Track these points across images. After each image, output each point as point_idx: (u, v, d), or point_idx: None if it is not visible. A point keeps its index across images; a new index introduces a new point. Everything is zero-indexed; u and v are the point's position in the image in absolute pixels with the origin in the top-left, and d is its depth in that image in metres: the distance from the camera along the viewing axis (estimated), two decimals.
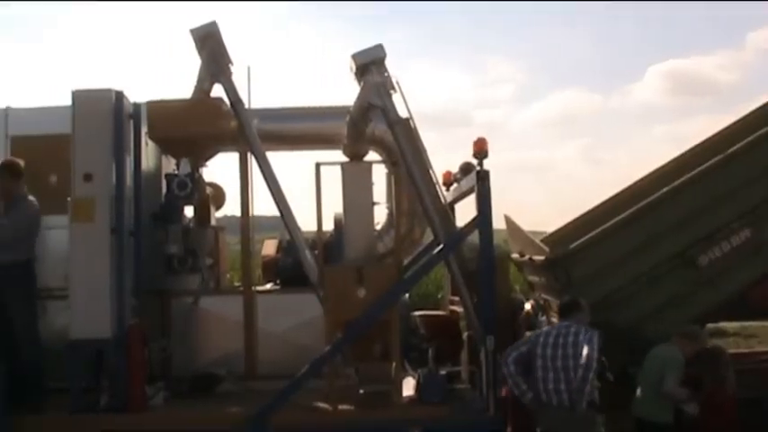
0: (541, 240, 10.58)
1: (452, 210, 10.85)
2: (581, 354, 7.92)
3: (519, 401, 8.46)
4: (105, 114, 9.43)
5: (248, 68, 10.59)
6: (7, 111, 10.77)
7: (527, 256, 10.28)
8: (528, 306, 9.93)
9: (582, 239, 9.57)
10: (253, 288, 10.87)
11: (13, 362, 9.29)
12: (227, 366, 10.34)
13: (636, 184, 11.31)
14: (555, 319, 9.30)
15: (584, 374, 7.90)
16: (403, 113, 9.41)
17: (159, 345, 10.28)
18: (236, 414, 9.12)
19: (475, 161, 9.32)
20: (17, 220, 9.54)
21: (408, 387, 9.59)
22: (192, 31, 9.54)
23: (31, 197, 9.75)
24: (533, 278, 10.83)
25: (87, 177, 9.28)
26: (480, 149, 9.18)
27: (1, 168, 9.69)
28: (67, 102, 9.46)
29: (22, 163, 9.74)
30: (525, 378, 8.29)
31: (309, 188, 9.52)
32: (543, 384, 8.12)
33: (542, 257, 9.76)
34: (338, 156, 10.32)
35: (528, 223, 10.92)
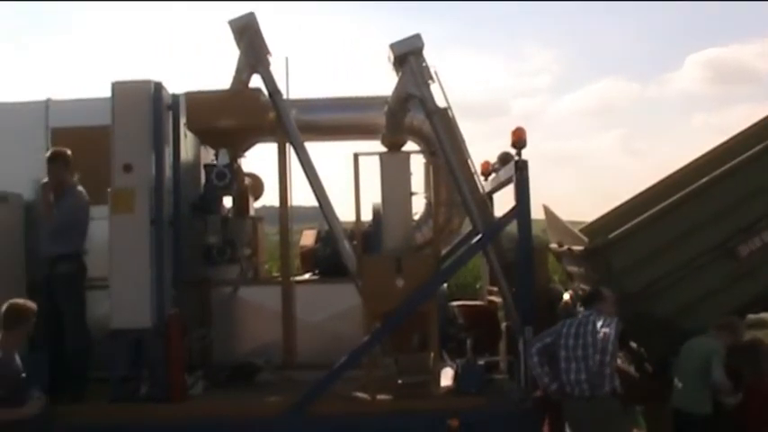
0: (580, 230, 10.55)
1: (491, 200, 10.89)
2: (606, 341, 7.98)
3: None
4: (144, 106, 9.54)
5: (286, 59, 10.65)
6: (48, 103, 10.96)
7: (566, 247, 10.27)
8: (566, 296, 9.90)
9: (621, 229, 9.53)
10: (291, 278, 10.95)
11: (59, 351, 9.45)
12: (265, 356, 10.45)
13: (675, 173, 11.23)
14: None
15: (601, 358, 7.98)
16: (441, 103, 9.48)
17: (198, 334, 10.42)
18: (275, 403, 9.25)
19: (513, 151, 9.35)
20: (67, 213, 9.69)
21: (446, 377, 9.64)
22: (231, 23, 9.61)
23: (80, 187, 9.90)
24: (572, 268, 10.82)
25: (127, 168, 9.40)
26: (519, 139, 9.21)
27: (52, 158, 9.84)
28: (107, 93, 9.58)
29: (70, 153, 9.89)
30: (549, 369, 8.37)
31: (348, 178, 9.59)
32: (566, 375, 8.18)
33: (581, 247, 9.75)
34: (376, 146, 10.38)
35: (566, 213, 10.89)
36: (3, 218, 10.07)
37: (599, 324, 8.14)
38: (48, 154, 9.88)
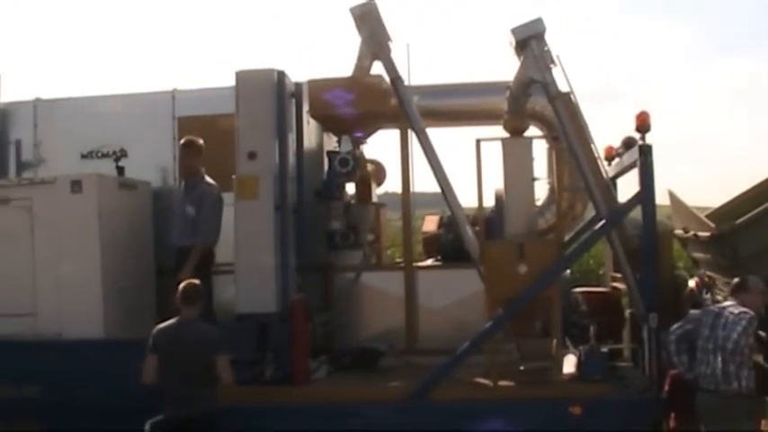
0: (706, 216, 10.43)
1: (614, 185, 10.85)
2: (731, 336, 7.89)
3: (683, 383, 8.45)
4: (268, 94, 9.78)
5: (407, 45, 10.82)
6: (174, 92, 11.34)
7: (691, 233, 10.17)
8: (692, 283, 9.80)
9: (749, 214, 9.39)
10: (413, 264, 11.13)
11: None
12: (388, 341, 10.65)
13: None
14: (720, 297, 9.19)
15: (725, 356, 7.85)
16: (564, 87, 9.49)
17: (322, 319, 10.65)
18: (397, 388, 9.45)
19: (637, 135, 9.32)
20: (205, 208, 10.07)
21: (569, 364, 9.67)
22: (352, 10, 9.79)
23: (209, 179, 10.26)
24: (698, 255, 10.69)
25: (251, 156, 9.65)
26: (643, 123, 9.15)
27: (184, 146, 10.26)
28: (231, 82, 9.85)
29: (202, 142, 10.25)
30: (688, 356, 8.30)
31: (470, 164, 9.60)
32: (698, 366, 8.10)
33: (707, 233, 9.64)
34: (498, 131, 10.38)
35: (691, 198, 10.76)
36: (132, 205, 10.51)
37: (734, 317, 8.00)
38: (182, 141, 10.27)
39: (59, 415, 9.39)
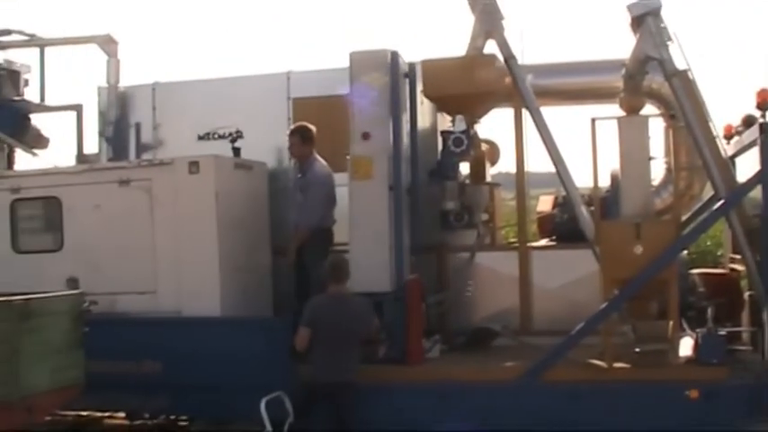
0: None
1: (733, 164, 10.71)
2: None
3: None
4: (382, 74, 9.88)
5: (521, 31, 10.84)
6: (288, 74, 11.57)
7: None
8: None
9: None
10: (528, 244, 11.17)
11: None
12: (502, 321, 10.72)
13: None
14: None
15: None
16: (681, 65, 9.42)
17: (436, 299, 10.78)
18: (510, 368, 9.53)
19: (757, 113, 9.20)
20: (310, 193, 10.35)
21: (686, 347, 9.59)
22: None
23: (320, 160, 10.49)
24: None
25: (365, 136, 9.79)
26: (763, 101, 9.06)
27: (292, 134, 10.49)
28: (345, 64, 9.99)
29: (313, 128, 10.48)
30: None
31: (585, 143, 9.59)
32: None
33: None
34: (614, 110, 10.32)
35: None
36: (249, 185, 10.75)
37: None
38: (290, 128, 10.50)
39: (178, 390, 9.76)
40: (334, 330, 9.01)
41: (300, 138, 10.41)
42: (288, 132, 10.58)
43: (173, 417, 11.07)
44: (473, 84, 10.19)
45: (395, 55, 9.96)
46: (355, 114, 9.85)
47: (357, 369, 9.18)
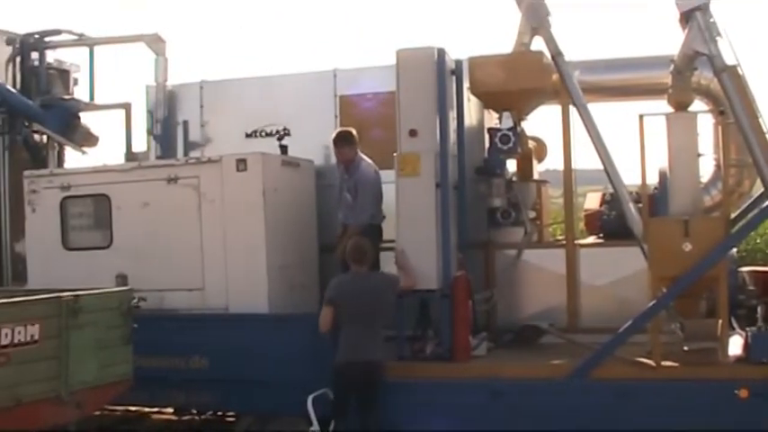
0: None
1: None
2: None
3: None
4: (428, 71, 9.87)
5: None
6: (335, 72, 11.64)
7: None
8: None
9: None
10: (575, 241, 11.14)
11: None
12: (549, 319, 10.71)
13: None
14: None
15: None
16: (730, 60, 9.35)
17: (483, 296, 10.78)
18: (557, 366, 9.52)
19: None
20: (360, 195, 10.37)
21: (735, 346, 9.48)
22: None
23: (366, 159, 10.53)
24: None
25: (412, 133, 9.78)
26: None
27: (335, 142, 10.52)
28: (391, 61, 10.01)
29: (353, 131, 10.50)
30: None
31: (633, 140, 9.54)
32: None
33: None
34: (662, 106, 10.27)
35: None
36: (295, 183, 10.84)
37: None
38: (333, 136, 10.56)
39: (225, 386, 9.87)
40: (357, 308, 9.14)
41: (347, 144, 10.45)
42: (333, 141, 10.60)
43: (219, 413, 11.19)
44: (520, 80, 10.20)
45: (441, 52, 9.94)
46: (402, 111, 9.87)
47: (383, 350, 9.32)
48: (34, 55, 13.52)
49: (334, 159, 11.09)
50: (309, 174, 11.19)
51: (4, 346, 7.35)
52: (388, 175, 10.25)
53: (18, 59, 13.48)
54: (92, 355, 8.16)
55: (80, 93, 14.07)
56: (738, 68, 9.40)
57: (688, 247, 9.11)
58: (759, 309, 9.43)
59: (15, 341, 7.45)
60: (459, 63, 10.39)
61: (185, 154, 12.18)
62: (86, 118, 13.59)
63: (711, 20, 9.18)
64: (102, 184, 10.83)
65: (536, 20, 9.91)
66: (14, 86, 13.26)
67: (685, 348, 9.25)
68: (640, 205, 9.74)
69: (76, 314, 7.97)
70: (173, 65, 12.69)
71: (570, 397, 9.16)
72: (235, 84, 12.23)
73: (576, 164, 11.18)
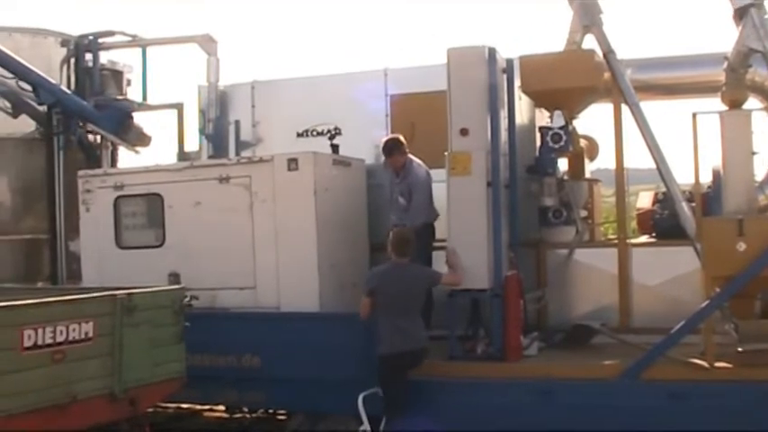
0: None
1: None
2: None
3: None
4: (480, 70, 9.83)
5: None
6: (386, 71, 11.69)
7: None
8: None
9: None
10: (627, 241, 11.08)
11: None
12: (601, 318, 10.64)
13: None
14: None
15: None
16: None
17: (534, 296, 10.78)
18: (609, 366, 9.44)
19: None
20: (414, 197, 10.46)
21: None
22: None
23: (417, 161, 10.57)
24: None
25: (464, 132, 9.76)
26: None
27: (392, 149, 10.55)
28: (442, 60, 9.99)
29: (401, 137, 10.57)
30: None
31: (686, 139, 9.48)
32: None
33: None
34: (716, 104, 10.19)
35: None
36: (346, 182, 10.88)
37: None
38: (381, 145, 10.61)
39: (276, 384, 9.93)
40: (396, 298, 9.18)
41: (397, 151, 10.49)
42: (382, 151, 10.66)
43: (271, 411, 11.26)
44: (571, 79, 10.16)
45: (492, 51, 9.91)
46: (453, 110, 9.86)
47: (426, 338, 9.41)
48: (88, 56, 13.71)
49: (383, 158, 11.13)
50: (360, 173, 11.23)
51: (60, 344, 7.41)
52: (439, 175, 10.25)
53: (72, 61, 13.69)
54: (145, 353, 8.24)
55: (133, 93, 14.24)
56: None
57: (742, 246, 9.00)
58: None
59: (70, 339, 7.51)
60: (510, 62, 10.36)
61: (237, 153, 12.30)
62: (139, 118, 13.75)
63: (766, 16, 9.11)
64: (154, 183, 10.94)
65: (588, 18, 9.90)
66: (69, 87, 13.43)
67: (739, 349, 9.13)
68: (693, 204, 9.68)
69: (130, 312, 8.05)
70: (224, 65, 12.84)
71: (621, 398, 9.10)
72: (286, 84, 12.32)
73: (629, 163, 11.16)
